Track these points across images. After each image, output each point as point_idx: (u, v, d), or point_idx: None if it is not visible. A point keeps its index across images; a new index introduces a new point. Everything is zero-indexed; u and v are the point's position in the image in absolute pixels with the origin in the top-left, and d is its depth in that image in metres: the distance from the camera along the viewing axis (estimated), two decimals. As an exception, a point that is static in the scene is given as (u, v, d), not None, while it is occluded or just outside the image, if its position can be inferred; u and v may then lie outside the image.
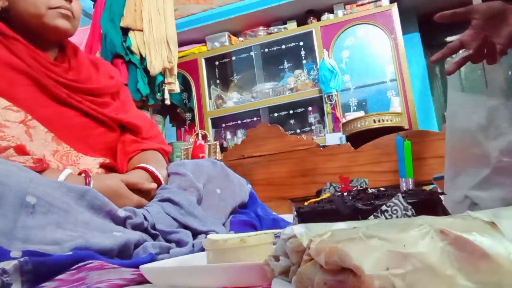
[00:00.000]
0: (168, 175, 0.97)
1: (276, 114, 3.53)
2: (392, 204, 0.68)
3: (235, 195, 1.03)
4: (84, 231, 0.68)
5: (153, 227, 0.81)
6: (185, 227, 0.86)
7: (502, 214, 0.33)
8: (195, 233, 0.86)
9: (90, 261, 0.59)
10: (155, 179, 0.94)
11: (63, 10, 0.98)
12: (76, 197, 0.72)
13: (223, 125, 3.67)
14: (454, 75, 0.74)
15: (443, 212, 0.73)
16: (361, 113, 3.11)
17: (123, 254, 0.71)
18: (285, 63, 3.62)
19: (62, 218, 0.66)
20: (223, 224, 0.97)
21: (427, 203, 0.69)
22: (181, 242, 0.81)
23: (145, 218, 0.80)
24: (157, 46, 2.52)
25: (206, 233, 0.87)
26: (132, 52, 2.49)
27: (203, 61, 3.60)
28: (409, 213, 0.67)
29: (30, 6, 0.96)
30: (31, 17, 0.96)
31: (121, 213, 0.76)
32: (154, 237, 0.80)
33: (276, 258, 0.40)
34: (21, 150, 0.82)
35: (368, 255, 0.29)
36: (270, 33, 3.54)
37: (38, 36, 0.99)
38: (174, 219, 0.85)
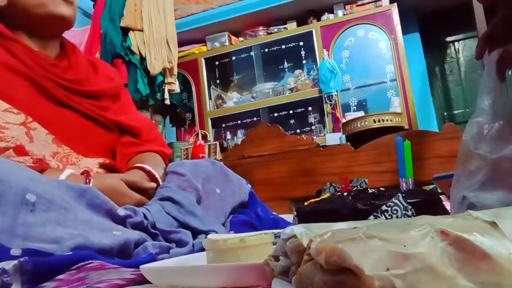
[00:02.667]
0: (166, 173, 0.97)
1: (276, 114, 3.52)
2: (392, 204, 0.68)
3: (235, 195, 1.03)
4: (84, 229, 0.68)
5: (153, 226, 0.81)
6: (185, 226, 0.86)
7: (504, 214, 0.33)
8: (195, 233, 0.86)
9: (90, 261, 0.59)
10: (153, 178, 0.95)
11: (68, 3, 0.99)
12: (76, 195, 0.72)
13: (223, 125, 3.67)
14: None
15: (443, 212, 0.73)
16: (361, 113, 3.11)
17: (122, 254, 0.71)
18: (285, 63, 3.62)
19: (62, 216, 0.67)
20: (223, 224, 0.97)
21: (427, 203, 0.70)
22: (181, 242, 0.81)
23: (145, 217, 0.80)
24: (157, 46, 2.52)
25: (206, 232, 0.87)
26: (132, 52, 2.49)
27: (203, 61, 3.60)
28: (409, 213, 0.67)
29: None
30: (34, 7, 0.96)
31: (121, 212, 0.76)
32: (154, 236, 0.80)
33: (276, 258, 0.40)
34: (20, 151, 0.82)
35: (369, 255, 0.29)
36: (270, 33, 3.54)
37: (41, 30, 0.99)
38: (174, 218, 0.85)
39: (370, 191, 0.77)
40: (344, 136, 2.88)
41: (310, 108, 3.43)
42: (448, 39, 3.96)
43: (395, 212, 0.67)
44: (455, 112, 3.86)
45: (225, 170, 1.06)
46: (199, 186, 0.95)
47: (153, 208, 0.84)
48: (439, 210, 0.72)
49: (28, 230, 0.63)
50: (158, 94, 2.64)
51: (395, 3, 3.17)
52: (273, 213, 1.13)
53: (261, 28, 3.58)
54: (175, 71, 2.64)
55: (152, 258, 0.68)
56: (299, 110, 3.46)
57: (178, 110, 3.68)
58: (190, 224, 0.86)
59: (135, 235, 0.74)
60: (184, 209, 0.87)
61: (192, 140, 3.27)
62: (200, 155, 2.93)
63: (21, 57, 0.93)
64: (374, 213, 0.67)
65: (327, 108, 3.22)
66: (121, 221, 0.76)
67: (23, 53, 0.94)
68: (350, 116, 3.05)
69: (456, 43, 3.95)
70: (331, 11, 3.38)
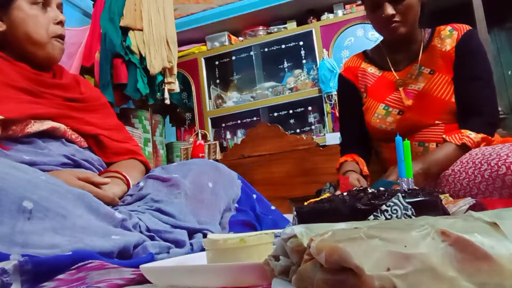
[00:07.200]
0: (150, 178, 0.99)
1: (276, 114, 3.52)
2: (392, 204, 0.68)
3: (227, 189, 1.03)
4: (82, 236, 0.67)
5: (147, 230, 0.82)
6: (179, 227, 0.86)
7: (504, 215, 0.33)
8: (191, 232, 0.87)
9: (90, 261, 0.59)
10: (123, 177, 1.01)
11: (61, 44, 1.05)
12: (75, 198, 0.72)
13: (223, 124, 3.67)
14: None
15: (443, 211, 0.72)
16: (361, 113, 3.10)
17: (122, 256, 0.71)
18: (285, 63, 3.62)
19: (59, 224, 0.66)
20: (219, 223, 0.97)
21: (427, 203, 0.69)
22: (179, 242, 0.81)
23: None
24: (157, 46, 2.52)
25: (200, 230, 0.88)
26: (131, 52, 2.48)
27: (203, 60, 3.59)
28: (409, 212, 0.67)
29: (32, 32, 0.99)
30: (32, 43, 1.00)
31: (118, 215, 0.77)
32: (150, 238, 0.80)
33: (276, 258, 0.40)
34: None
35: (369, 255, 0.28)
36: (270, 33, 3.54)
37: (32, 59, 1.03)
38: (166, 223, 0.86)
39: (369, 190, 0.77)
40: (344, 136, 2.88)
41: (310, 108, 3.43)
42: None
43: (395, 212, 0.67)
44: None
45: (216, 164, 1.06)
46: (186, 182, 0.95)
47: (144, 217, 0.84)
48: (439, 210, 0.72)
49: (26, 238, 0.62)
50: (158, 93, 2.63)
51: (395, 3, 3.17)
52: (272, 207, 1.13)
53: (261, 27, 3.57)
54: (175, 70, 2.64)
55: (152, 258, 0.68)
56: (299, 110, 3.45)
57: (178, 110, 3.67)
58: (183, 226, 0.86)
59: (135, 237, 0.74)
60: (175, 219, 0.87)
61: (192, 140, 3.27)
62: (200, 154, 2.93)
63: (6, 70, 0.97)
64: (374, 213, 0.67)
65: (327, 107, 3.21)
66: (118, 224, 0.76)
67: (7, 66, 0.98)
68: (350, 116, 3.05)
69: (456, 43, 3.94)
70: (331, 10, 3.38)
